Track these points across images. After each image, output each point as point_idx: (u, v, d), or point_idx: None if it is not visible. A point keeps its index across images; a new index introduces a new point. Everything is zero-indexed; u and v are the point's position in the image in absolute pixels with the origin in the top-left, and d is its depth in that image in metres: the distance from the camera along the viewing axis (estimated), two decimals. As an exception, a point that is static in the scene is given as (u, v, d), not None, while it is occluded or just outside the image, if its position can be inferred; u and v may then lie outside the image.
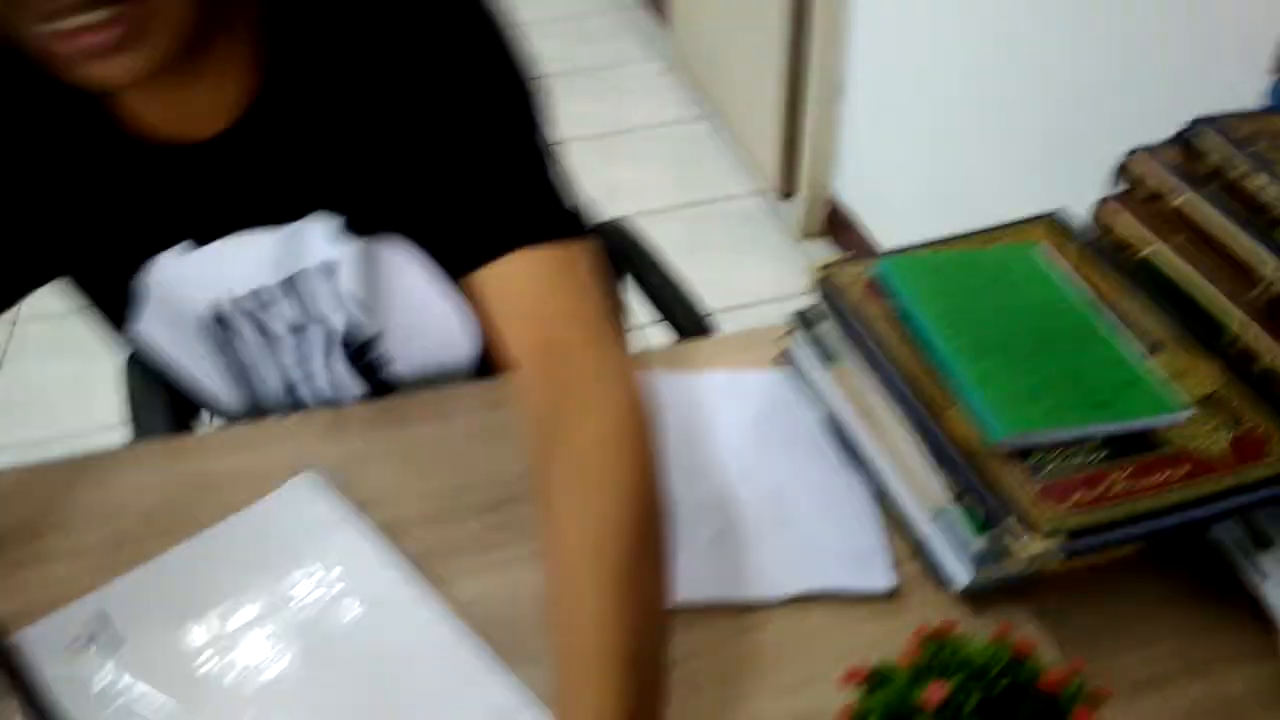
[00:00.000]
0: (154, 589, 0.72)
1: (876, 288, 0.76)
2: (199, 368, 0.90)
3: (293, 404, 0.92)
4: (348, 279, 0.82)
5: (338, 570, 0.72)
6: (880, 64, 2.13)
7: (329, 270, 0.82)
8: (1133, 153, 0.82)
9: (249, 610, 0.70)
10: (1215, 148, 0.76)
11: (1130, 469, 0.66)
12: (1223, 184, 0.75)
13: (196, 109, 0.73)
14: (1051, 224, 0.84)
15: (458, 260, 0.76)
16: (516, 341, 0.71)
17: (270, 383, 0.91)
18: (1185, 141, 0.79)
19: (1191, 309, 0.75)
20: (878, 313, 0.74)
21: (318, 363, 0.89)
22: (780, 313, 0.85)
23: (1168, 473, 0.66)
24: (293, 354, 0.88)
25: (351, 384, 0.91)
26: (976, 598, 0.71)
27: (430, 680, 0.66)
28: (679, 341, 1.09)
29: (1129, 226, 0.80)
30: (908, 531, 0.74)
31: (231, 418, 0.96)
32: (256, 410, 0.94)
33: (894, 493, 0.75)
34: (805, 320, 0.84)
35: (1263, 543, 0.69)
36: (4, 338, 2.36)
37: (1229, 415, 0.69)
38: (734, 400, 0.86)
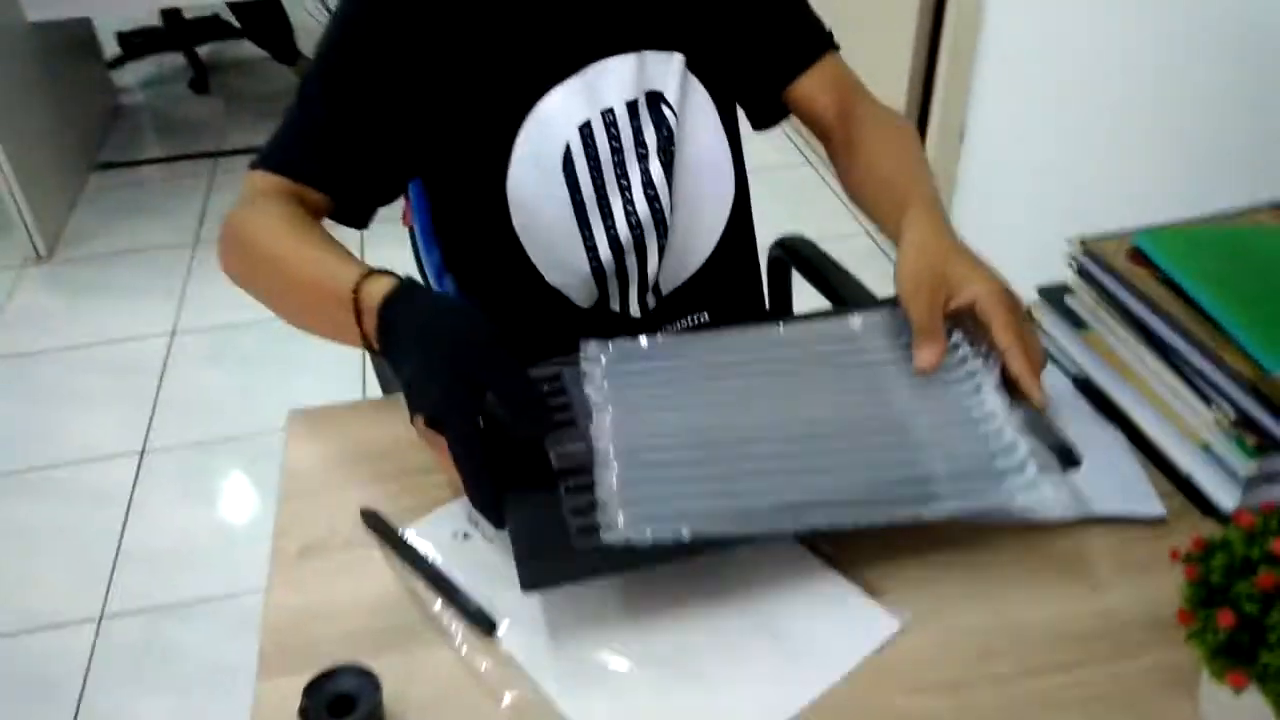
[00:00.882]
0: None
1: (1139, 256, 0.87)
2: (554, 213, 1.04)
3: (612, 241, 1.07)
4: (672, 104, 1.05)
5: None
6: (1002, 113, 2.26)
7: (660, 98, 1.05)
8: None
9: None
10: None
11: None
12: None
13: None
14: None
15: (777, 76, 1.12)
16: (824, 113, 1.12)
17: (600, 221, 1.06)
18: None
19: None
20: (1146, 275, 0.86)
21: (637, 185, 1.06)
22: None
23: None
24: (618, 181, 1.06)
25: (663, 192, 1.07)
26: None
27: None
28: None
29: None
30: (1168, 469, 0.85)
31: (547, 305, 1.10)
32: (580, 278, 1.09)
33: (1153, 435, 0.86)
34: (1051, 296, 0.96)
35: None
36: (165, 346, 2.52)
37: None
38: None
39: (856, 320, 0.91)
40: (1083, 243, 0.91)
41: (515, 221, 1.04)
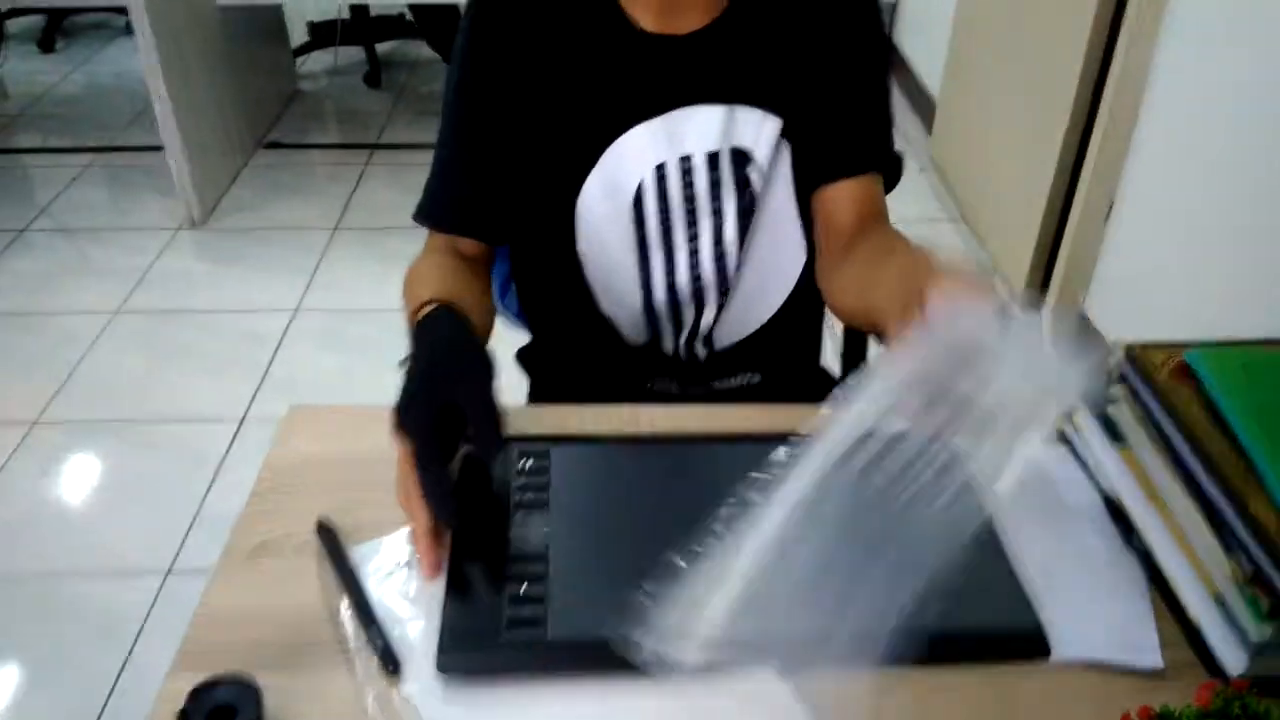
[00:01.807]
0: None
1: (1187, 371, 0.78)
2: (618, 244, 1.05)
3: (670, 287, 1.07)
4: (760, 167, 1.02)
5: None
6: (1157, 182, 2.11)
7: (746, 158, 1.03)
8: None
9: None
10: None
11: None
12: None
13: (685, 11, 0.99)
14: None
15: (829, 168, 1.03)
16: (841, 227, 1.01)
17: (661, 265, 1.06)
18: None
19: None
20: (1188, 395, 0.76)
21: (706, 238, 1.05)
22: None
23: None
24: (688, 229, 1.05)
25: (732, 256, 1.06)
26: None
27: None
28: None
29: None
30: (1179, 615, 0.75)
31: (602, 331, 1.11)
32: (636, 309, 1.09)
33: (1170, 574, 0.76)
34: (1094, 403, 0.87)
35: None
36: (287, 321, 2.63)
37: None
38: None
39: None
40: (1128, 348, 0.82)
41: (580, 245, 1.06)
